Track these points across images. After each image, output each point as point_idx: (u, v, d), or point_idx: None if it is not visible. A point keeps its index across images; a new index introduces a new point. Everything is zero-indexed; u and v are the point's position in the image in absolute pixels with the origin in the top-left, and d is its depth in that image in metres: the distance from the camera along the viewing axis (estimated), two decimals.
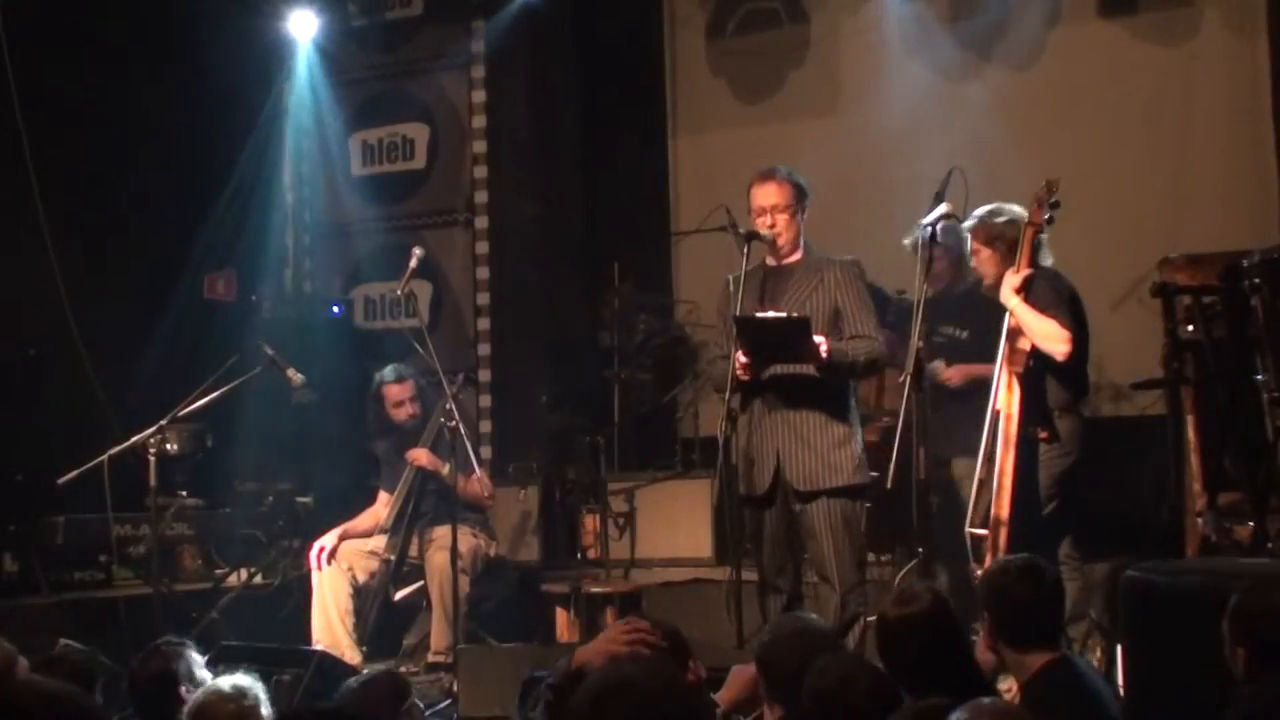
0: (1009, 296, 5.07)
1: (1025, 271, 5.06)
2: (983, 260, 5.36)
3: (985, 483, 5.03)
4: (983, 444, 5.08)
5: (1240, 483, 5.24)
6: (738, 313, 5.03)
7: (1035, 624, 3.62)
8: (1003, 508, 4.92)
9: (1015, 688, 3.63)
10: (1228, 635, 3.14)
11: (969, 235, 5.38)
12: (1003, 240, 5.27)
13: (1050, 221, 5.04)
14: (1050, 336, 5.03)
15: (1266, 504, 5.00)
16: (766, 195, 5.18)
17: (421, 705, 3.66)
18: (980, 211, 5.34)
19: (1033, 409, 5.04)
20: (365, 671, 3.83)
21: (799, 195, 5.21)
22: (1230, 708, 2.92)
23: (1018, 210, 5.28)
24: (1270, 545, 4.89)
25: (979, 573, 4.73)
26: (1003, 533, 4.90)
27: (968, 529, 5.06)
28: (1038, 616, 3.63)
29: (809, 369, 5.02)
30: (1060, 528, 5.22)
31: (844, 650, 3.67)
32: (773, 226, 5.16)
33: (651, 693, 2.47)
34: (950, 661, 3.40)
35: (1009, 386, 5.02)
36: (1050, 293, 5.11)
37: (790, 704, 3.33)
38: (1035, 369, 5.06)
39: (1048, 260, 5.22)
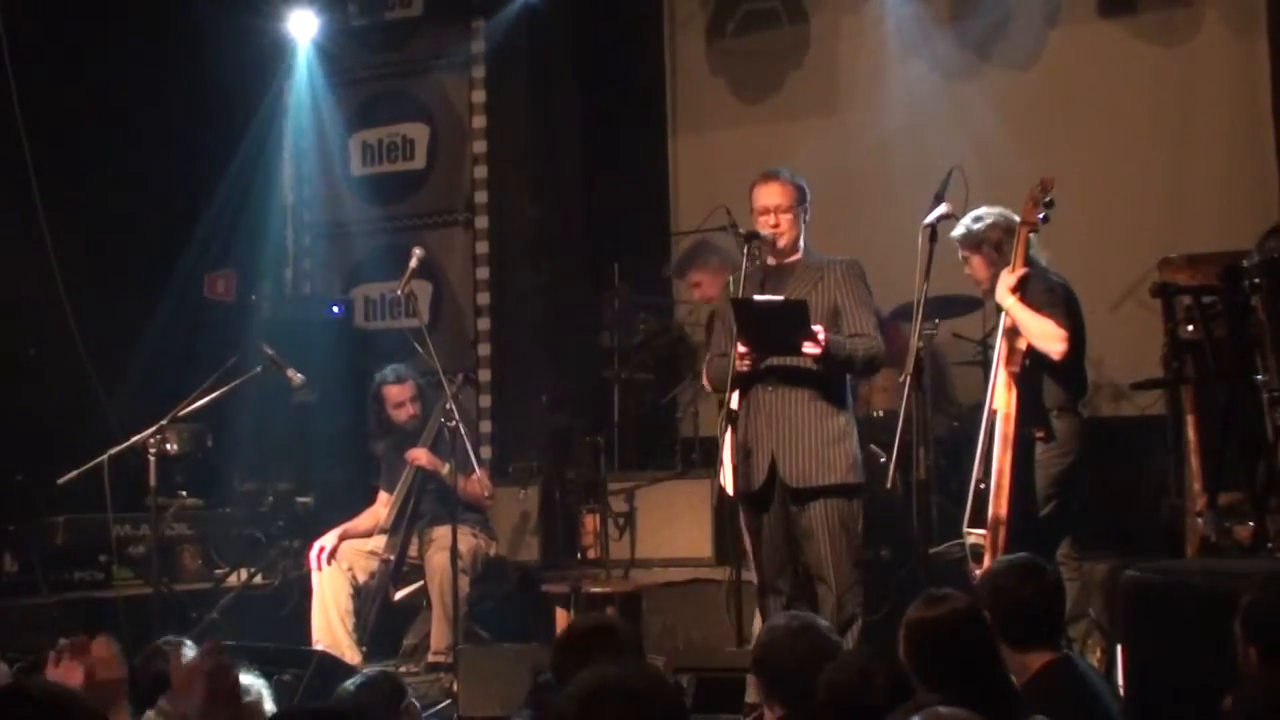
0: (1005, 296, 5.07)
1: (1020, 271, 5.07)
2: (974, 267, 5.37)
3: (981, 483, 5.02)
4: (980, 444, 5.08)
5: (1240, 483, 5.24)
6: (737, 297, 5.05)
7: (1035, 624, 3.62)
8: (1001, 508, 4.93)
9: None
10: (1239, 634, 3.14)
11: (958, 245, 5.38)
12: (989, 243, 5.28)
13: (1045, 220, 5.05)
14: (1047, 336, 5.03)
15: (1266, 504, 5.00)
16: (770, 195, 5.20)
17: (419, 705, 3.65)
18: (964, 220, 5.35)
19: (1030, 408, 5.04)
20: (362, 672, 3.83)
21: (801, 196, 5.24)
22: (1236, 702, 2.90)
23: (998, 211, 5.30)
24: (1270, 545, 4.89)
25: (978, 573, 4.73)
26: (1001, 533, 4.90)
27: (965, 530, 5.06)
28: (1038, 616, 3.63)
29: (806, 362, 5.02)
30: (1059, 528, 5.22)
31: (842, 648, 3.65)
32: (776, 226, 5.18)
33: (638, 695, 2.48)
34: (977, 665, 3.37)
35: (1006, 386, 5.03)
36: (1046, 292, 5.12)
37: (790, 704, 3.33)
38: (1032, 368, 5.06)
39: (1042, 259, 5.22)
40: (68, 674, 3.38)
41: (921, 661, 3.39)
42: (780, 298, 5.06)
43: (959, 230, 5.32)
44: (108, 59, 7.73)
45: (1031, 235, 5.12)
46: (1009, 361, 5.04)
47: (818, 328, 4.96)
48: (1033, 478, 5.08)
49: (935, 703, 2.73)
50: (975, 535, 5.01)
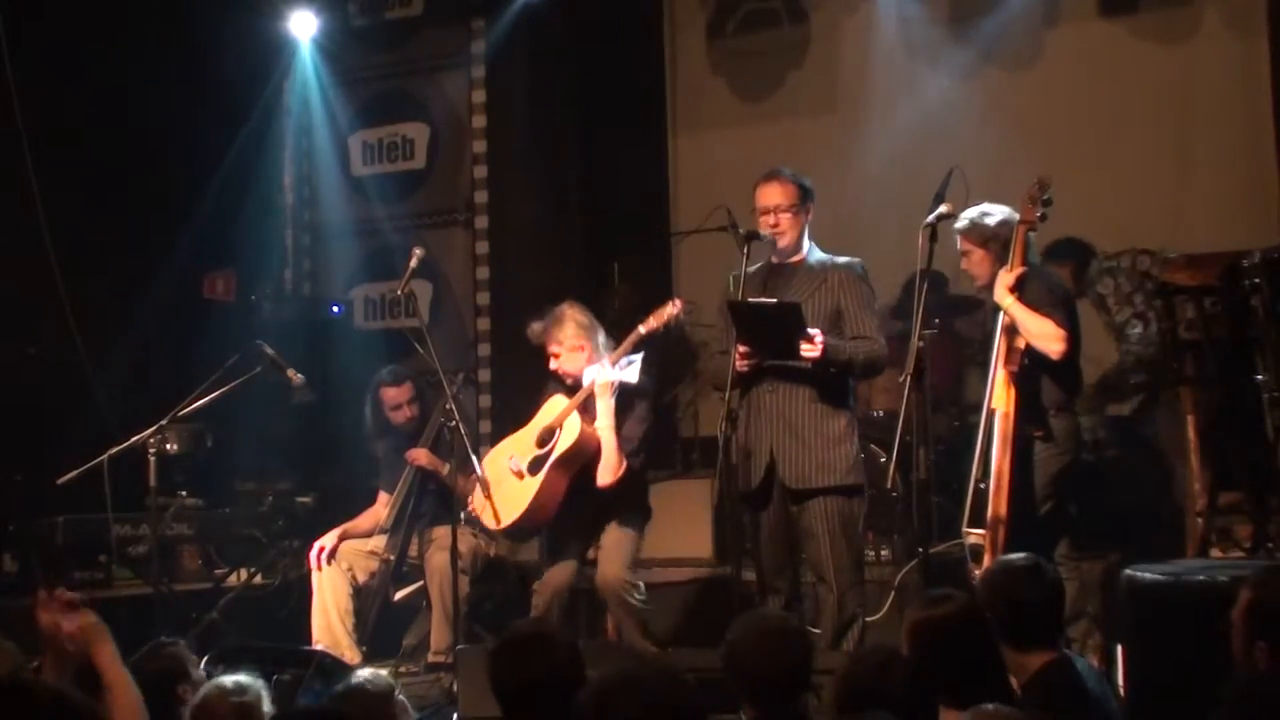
0: (1003, 295, 5.04)
1: (1019, 270, 5.04)
2: (975, 262, 5.32)
3: (981, 483, 5.00)
4: (978, 444, 5.07)
5: (1240, 483, 5.24)
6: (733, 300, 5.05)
7: (1035, 624, 3.61)
8: (1000, 507, 4.91)
9: (1015, 687, 3.62)
10: (1242, 630, 3.12)
11: (959, 238, 5.35)
12: (996, 240, 5.23)
13: (1043, 219, 5.03)
14: (1046, 335, 5.01)
15: (1266, 504, 5.00)
16: (771, 195, 5.20)
17: (406, 700, 3.66)
18: (970, 213, 5.30)
19: (1029, 408, 5.02)
20: (353, 672, 3.84)
21: (803, 196, 5.23)
22: (1238, 697, 2.89)
23: (1006, 210, 5.26)
24: (1270, 545, 4.89)
25: (977, 573, 4.73)
26: (1000, 532, 4.89)
27: (964, 530, 5.05)
28: (1038, 616, 3.63)
29: (806, 363, 5.02)
30: (1058, 527, 5.21)
31: (813, 646, 3.63)
32: (776, 226, 5.17)
33: (656, 692, 2.49)
34: (980, 665, 3.36)
35: (1005, 385, 5.00)
36: (1044, 291, 5.10)
37: (760, 704, 3.32)
38: (1030, 368, 5.04)
39: (1035, 258, 5.20)
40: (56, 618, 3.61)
41: (926, 661, 3.38)
42: (774, 299, 5.05)
43: (963, 223, 5.28)
44: (108, 59, 7.73)
45: (1029, 234, 5.10)
46: (1007, 361, 5.02)
47: (814, 331, 4.96)
48: (1031, 477, 5.07)
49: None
50: (974, 535, 5.00)
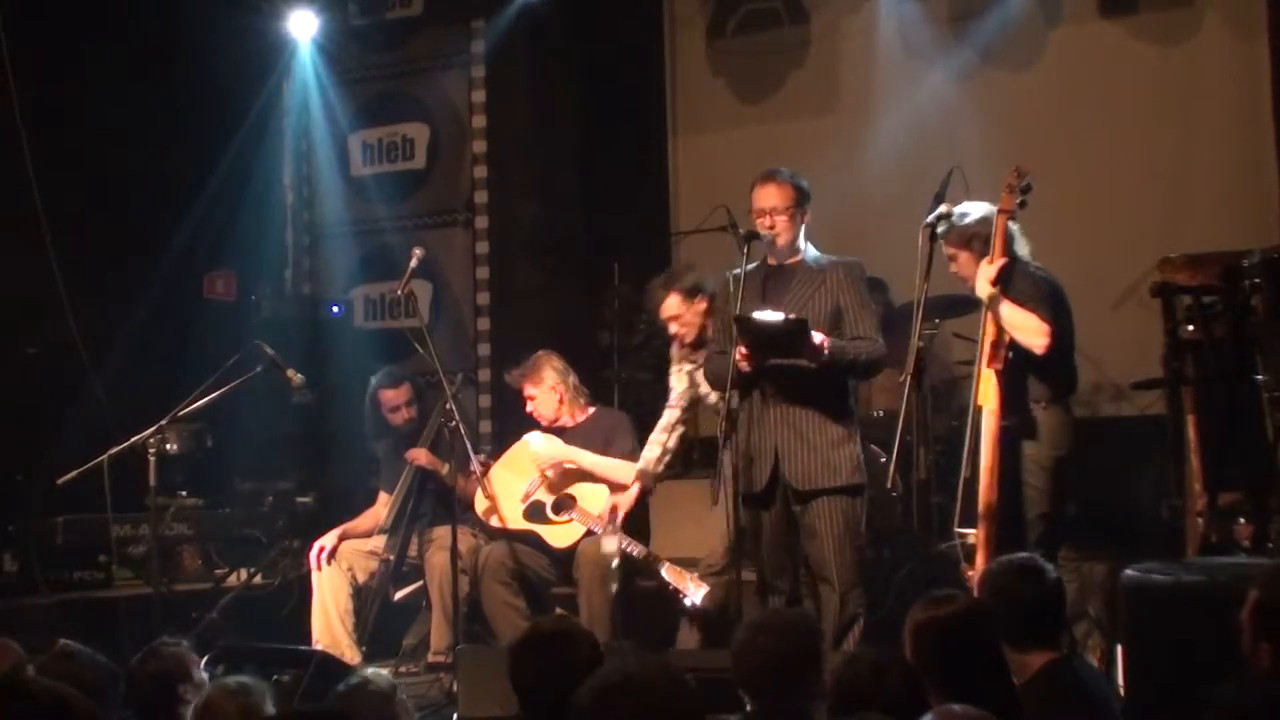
0: (984, 288, 4.92)
1: (1000, 261, 4.92)
2: (962, 263, 5.21)
3: (970, 481, 4.96)
4: (966, 441, 5.03)
5: (1240, 483, 5.24)
6: (738, 312, 5.03)
7: (1035, 624, 3.61)
8: (990, 504, 4.85)
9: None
10: (1250, 630, 3.12)
11: (943, 243, 5.28)
12: (978, 239, 5.10)
13: (1022, 206, 4.91)
14: (1028, 330, 4.89)
15: (1267, 504, 5.00)
16: (766, 197, 5.19)
17: (408, 701, 3.66)
18: (949, 217, 5.24)
19: (1014, 403, 4.94)
20: (355, 672, 3.84)
21: (800, 197, 5.21)
22: (1238, 695, 2.89)
23: (984, 207, 5.14)
24: (1270, 545, 4.89)
25: (970, 573, 4.71)
26: (992, 530, 4.84)
27: (955, 529, 5.00)
28: (1038, 616, 3.62)
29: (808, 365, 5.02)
30: (1057, 526, 5.18)
31: (821, 645, 3.64)
32: (772, 228, 5.17)
33: (654, 691, 2.49)
34: (984, 664, 3.36)
35: (990, 381, 4.92)
36: (1030, 285, 4.98)
37: (762, 699, 3.33)
38: (1016, 362, 4.93)
39: (1023, 250, 5.12)
40: None
41: (929, 661, 3.38)
42: (780, 316, 4.99)
43: (942, 228, 5.19)
44: (108, 59, 7.73)
45: (1012, 226, 4.99)
46: (991, 357, 4.91)
47: (820, 337, 4.95)
48: (1019, 473, 5.00)
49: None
50: (965, 535, 4.94)
